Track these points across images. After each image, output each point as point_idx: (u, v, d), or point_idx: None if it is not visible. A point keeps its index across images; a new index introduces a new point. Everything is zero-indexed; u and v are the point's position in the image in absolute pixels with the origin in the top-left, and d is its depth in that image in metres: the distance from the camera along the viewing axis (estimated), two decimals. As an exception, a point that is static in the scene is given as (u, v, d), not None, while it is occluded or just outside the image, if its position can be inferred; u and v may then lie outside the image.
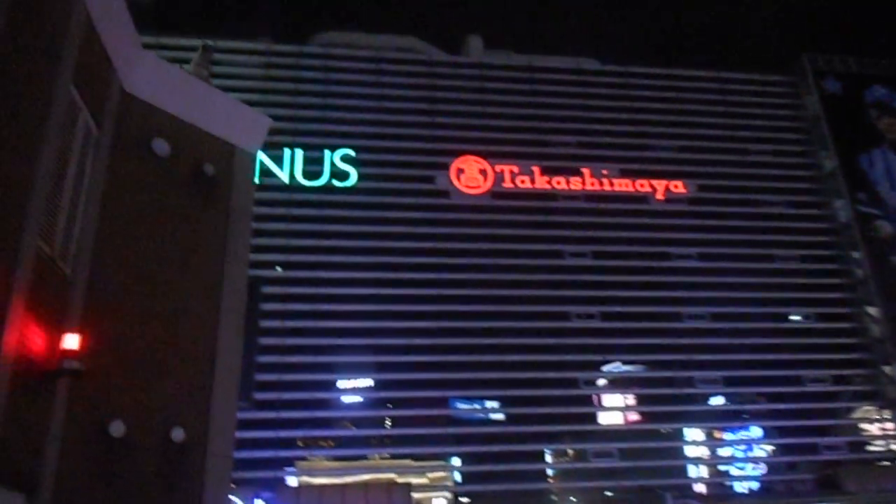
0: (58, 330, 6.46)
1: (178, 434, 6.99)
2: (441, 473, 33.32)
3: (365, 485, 29.02)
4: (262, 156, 34.88)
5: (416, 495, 31.25)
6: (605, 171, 38.24)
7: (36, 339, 6.09)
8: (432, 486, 32.59)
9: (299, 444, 31.80)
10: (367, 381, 32.99)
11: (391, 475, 31.66)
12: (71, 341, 6.53)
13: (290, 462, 30.59)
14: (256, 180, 33.74)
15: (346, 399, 32.81)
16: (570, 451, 35.04)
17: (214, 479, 7.53)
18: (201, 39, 36.51)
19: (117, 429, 6.60)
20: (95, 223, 6.96)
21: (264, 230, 33.91)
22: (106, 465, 6.60)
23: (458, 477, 33.31)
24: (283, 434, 30.47)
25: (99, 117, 7.01)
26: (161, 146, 7.78)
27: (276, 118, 35.30)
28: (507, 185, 37.07)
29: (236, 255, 8.35)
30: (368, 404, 33.18)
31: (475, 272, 34.81)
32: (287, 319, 32.27)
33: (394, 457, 32.72)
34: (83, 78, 6.69)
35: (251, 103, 35.74)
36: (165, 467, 7.01)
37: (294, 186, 35.15)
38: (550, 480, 34.22)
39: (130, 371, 7.02)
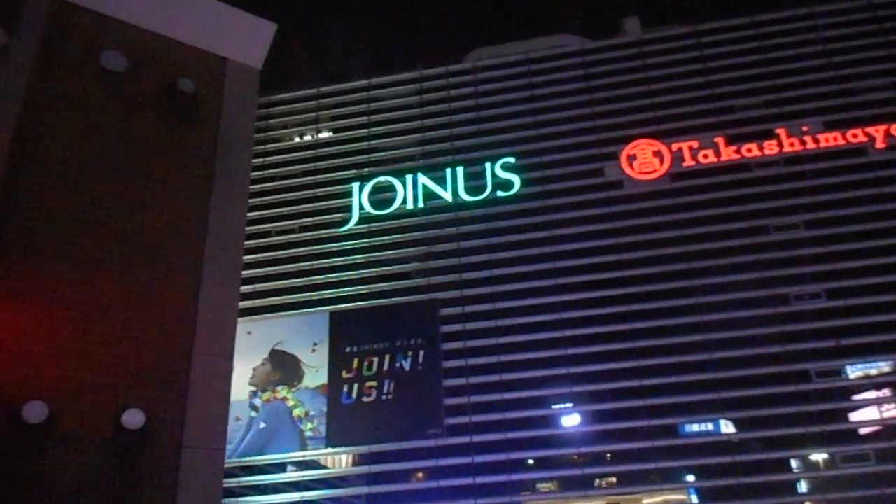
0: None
1: (133, 418, 5.41)
2: (675, 495, 29.88)
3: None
4: (424, 179, 34.71)
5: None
6: (804, 128, 32.89)
7: None
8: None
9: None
10: (566, 392, 30.48)
11: (617, 498, 28.88)
12: None
13: (491, 489, 28.83)
14: (421, 203, 33.96)
15: (538, 414, 30.45)
16: (820, 458, 29.59)
17: (193, 479, 5.71)
18: (367, 80, 38.35)
19: (35, 412, 5.17)
20: (6, 148, 5.83)
21: (437, 252, 33.52)
22: (19, 460, 5.18)
23: (694, 496, 29.57)
24: (479, 459, 28.93)
25: (10, 22, 5.92)
26: (114, 60, 6.65)
27: (434, 140, 35.81)
28: (688, 163, 33.16)
29: (229, 187, 6.79)
30: (570, 417, 30.65)
31: (664, 264, 31.23)
32: (469, 339, 31.15)
33: (618, 477, 29.79)
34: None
35: (409, 131, 36.60)
36: (113, 463, 5.39)
37: (459, 204, 34.23)
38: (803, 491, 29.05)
39: (61, 336, 5.57)
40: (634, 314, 30.47)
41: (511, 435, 29.13)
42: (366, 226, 34.65)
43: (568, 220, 32.75)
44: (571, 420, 30.38)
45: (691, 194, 32.46)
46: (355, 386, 31.11)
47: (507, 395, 29.81)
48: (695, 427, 29.90)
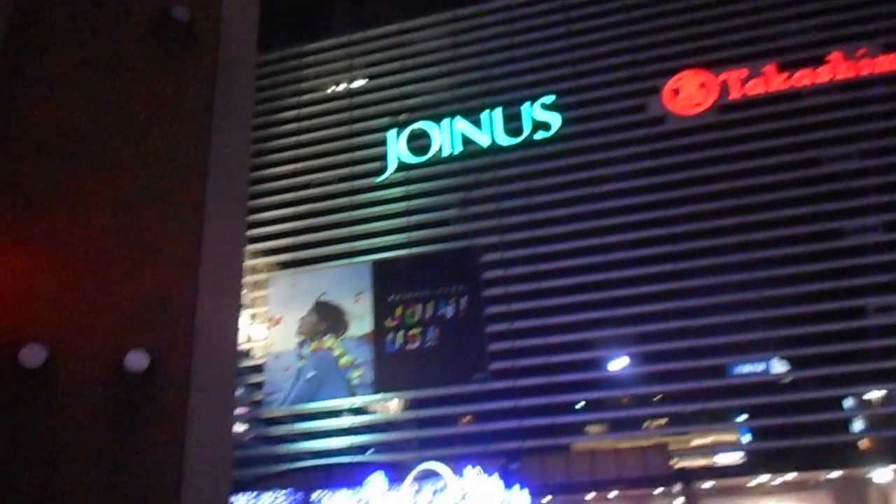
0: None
1: (136, 360, 5.14)
2: (726, 435, 29.74)
3: (616, 449, 26.47)
4: (460, 123, 34.05)
5: (697, 459, 28.13)
6: (860, 51, 30.95)
7: None
8: (719, 446, 29.45)
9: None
10: (607, 334, 30.14)
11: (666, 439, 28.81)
12: None
13: (538, 432, 28.97)
14: (458, 149, 33.36)
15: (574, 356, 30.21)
16: (876, 396, 28.79)
17: (202, 422, 5.48)
18: (398, 24, 37.38)
19: (33, 356, 4.99)
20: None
21: (475, 198, 33.08)
22: (16, 406, 5.07)
23: (746, 436, 29.42)
24: (524, 402, 29.04)
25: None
26: (101, -13, 6.29)
27: (469, 83, 34.92)
28: (735, 94, 31.63)
29: (230, 119, 6.34)
30: (616, 358, 30.43)
31: (712, 201, 30.20)
32: (510, 285, 30.93)
33: (668, 418, 29.73)
34: None
35: (444, 74, 35.75)
36: (116, 407, 5.23)
37: (497, 148, 33.52)
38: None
39: (59, 277, 5.37)
40: (681, 254, 29.71)
41: (556, 378, 29.08)
42: (403, 174, 34.34)
43: (609, 160, 31.82)
44: (618, 362, 30.16)
45: (739, 127, 31.08)
46: (399, 334, 31.37)
47: (551, 339, 29.65)
48: (746, 367, 29.40)
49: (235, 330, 5.97)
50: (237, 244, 6.37)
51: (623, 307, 29.48)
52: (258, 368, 33.34)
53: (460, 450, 26.42)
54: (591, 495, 28.46)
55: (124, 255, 5.36)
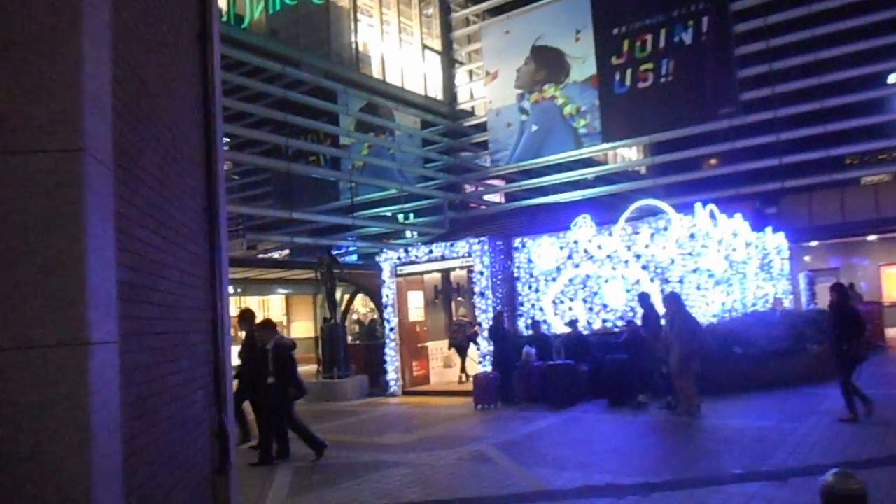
0: None
1: None
2: None
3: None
4: None
5: None
6: None
7: None
8: None
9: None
10: None
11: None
12: None
13: (801, 168, 24.36)
14: None
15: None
16: None
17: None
18: None
19: None
20: None
21: None
22: None
23: None
24: (787, 135, 24.23)
25: None
26: None
27: None
28: None
29: None
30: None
31: None
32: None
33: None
34: None
35: None
36: None
37: None
38: None
39: None
40: None
41: (828, 103, 23.55)
42: None
43: None
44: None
45: None
46: (628, 72, 27.36)
47: (822, 55, 23.66)
48: None
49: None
50: None
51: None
52: (480, 127, 32.03)
53: (707, 196, 23.15)
54: (872, 237, 23.89)
55: None
